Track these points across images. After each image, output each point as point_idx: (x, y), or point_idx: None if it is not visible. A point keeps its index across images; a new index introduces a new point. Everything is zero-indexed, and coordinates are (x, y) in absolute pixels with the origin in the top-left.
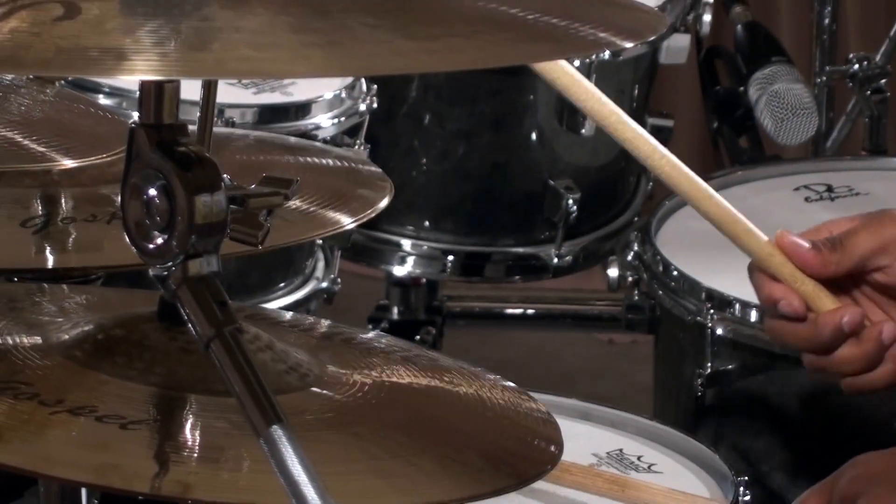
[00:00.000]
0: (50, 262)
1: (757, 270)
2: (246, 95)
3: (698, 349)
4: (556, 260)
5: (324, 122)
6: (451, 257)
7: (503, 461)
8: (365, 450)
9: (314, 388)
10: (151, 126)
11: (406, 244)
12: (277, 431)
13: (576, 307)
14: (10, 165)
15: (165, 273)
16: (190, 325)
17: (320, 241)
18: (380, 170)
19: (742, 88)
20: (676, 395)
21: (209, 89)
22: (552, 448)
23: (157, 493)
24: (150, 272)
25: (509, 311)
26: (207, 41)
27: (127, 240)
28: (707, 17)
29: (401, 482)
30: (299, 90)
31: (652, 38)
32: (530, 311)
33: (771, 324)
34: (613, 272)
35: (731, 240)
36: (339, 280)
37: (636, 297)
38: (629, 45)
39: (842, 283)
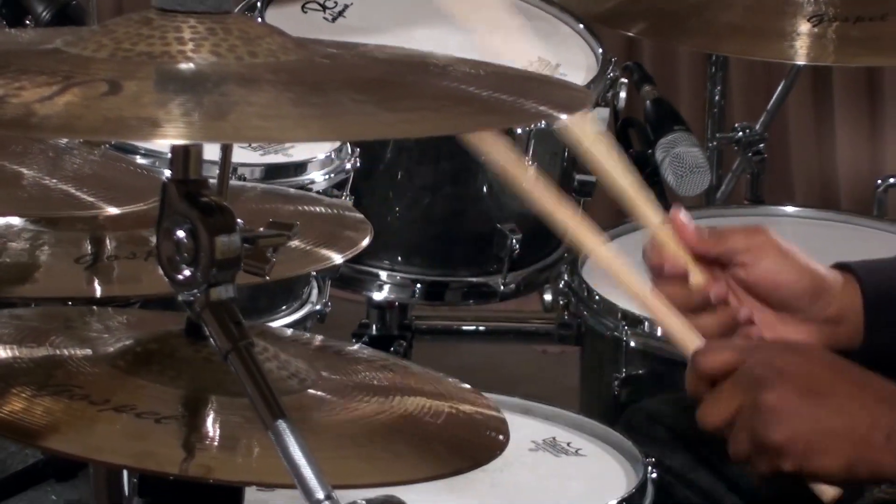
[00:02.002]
0: (98, 291)
1: (649, 248)
2: (254, 157)
3: (615, 358)
4: (502, 287)
5: (317, 177)
6: (418, 285)
7: (461, 447)
8: (352, 439)
9: (311, 391)
10: (180, 181)
11: (383, 275)
12: (282, 425)
13: (517, 324)
14: (66, 212)
15: (192, 298)
16: (212, 340)
17: (314, 273)
18: (362, 216)
19: (650, 151)
20: (598, 395)
21: (226, 151)
22: (500, 437)
23: (185, 475)
24: (179, 298)
25: (465, 327)
26: (225, 112)
27: (160, 272)
28: (623, 94)
29: (380, 465)
30: (298, 152)
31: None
32: (482, 328)
33: (656, 285)
34: (548, 296)
35: (630, 212)
36: (329, 304)
37: (566, 317)
38: (564, 116)
39: (713, 271)
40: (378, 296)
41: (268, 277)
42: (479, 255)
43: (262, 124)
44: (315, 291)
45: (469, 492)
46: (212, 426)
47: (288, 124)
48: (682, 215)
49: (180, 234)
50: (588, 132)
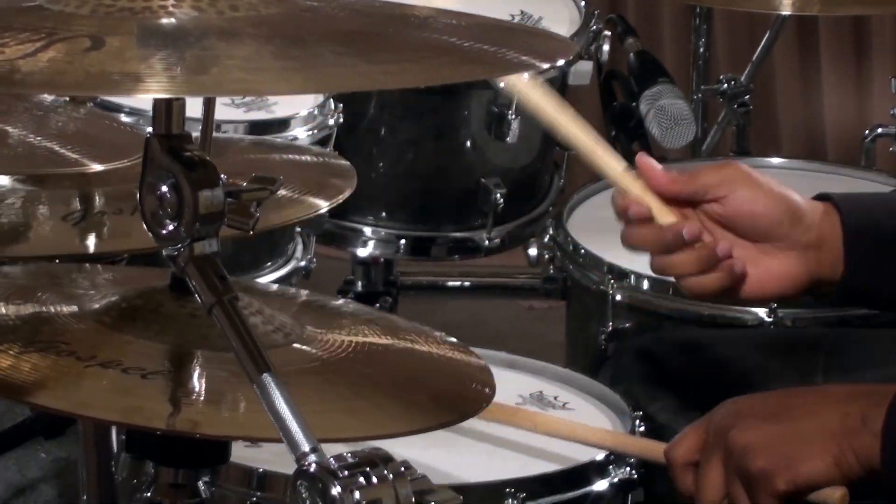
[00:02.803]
0: (87, 248)
1: (614, 194)
2: (238, 113)
3: (601, 312)
4: (487, 242)
5: (300, 133)
6: (403, 241)
7: (447, 400)
8: (337, 393)
9: (296, 345)
10: (163, 136)
11: (367, 230)
12: (267, 378)
13: (503, 280)
14: (51, 170)
15: (176, 253)
16: (196, 295)
17: (299, 229)
18: (347, 162)
19: (634, 104)
20: (584, 349)
21: (209, 105)
22: (486, 390)
23: (172, 429)
24: (163, 252)
25: (450, 283)
26: (207, 66)
27: (145, 227)
28: (606, 47)
29: (367, 418)
30: (280, 108)
31: (562, 62)
32: (467, 284)
33: (625, 232)
34: (533, 251)
35: (590, 163)
36: (314, 259)
37: (551, 271)
38: (545, 66)
39: (686, 212)
40: (363, 251)
41: (251, 232)
42: (464, 209)
43: (243, 77)
44: (300, 247)
45: (456, 446)
46: (197, 381)
47: (269, 77)
48: (649, 159)
49: (163, 188)
50: (533, 90)
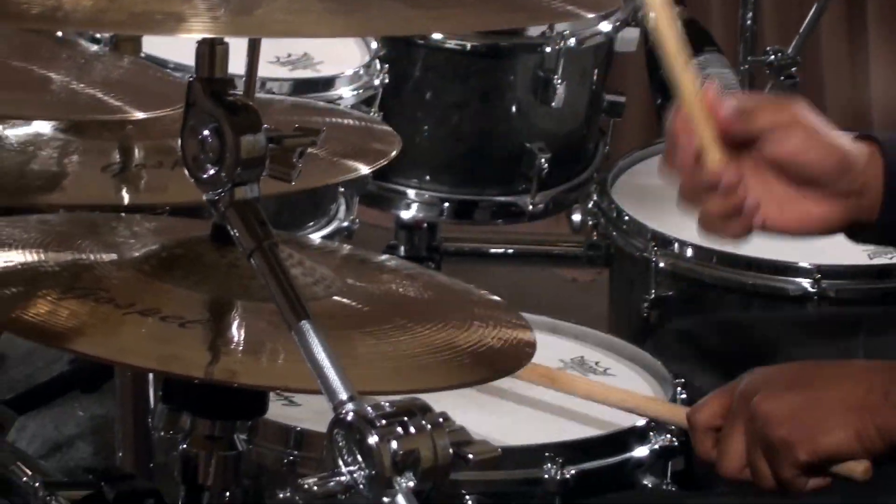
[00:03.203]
0: (125, 199)
1: (674, 114)
2: (283, 72)
3: (644, 279)
4: (530, 207)
5: (346, 93)
6: (446, 204)
7: (487, 357)
8: (377, 347)
9: (336, 297)
10: (206, 79)
11: (411, 193)
12: (306, 325)
13: (546, 248)
14: (93, 116)
15: (216, 198)
16: (236, 240)
17: (342, 189)
18: (390, 128)
19: None
20: (627, 317)
21: (254, 49)
22: (527, 349)
23: (210, 378)
24: (204, 197)
25: (493, 250)
26: (251, 7)
27: (186, 174)
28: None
29: (406, 372)
30: (326, 67)
31: (609, 12)
32: (510, 251)
33: (670, 153)
34: (577, 217)
35: (671, 70)
36: (357, 220)
37: (595, 238)
38: (591, 15)
39: (737, 150)
40: (406, 214)
41: (293, 183)
42: (508, 174)
43: (287, 19)
44: (343, 208)
45: (495, 409)
46: (237, 331)
47: (312, 19)
48: (716, 90)
49: (205, 132)
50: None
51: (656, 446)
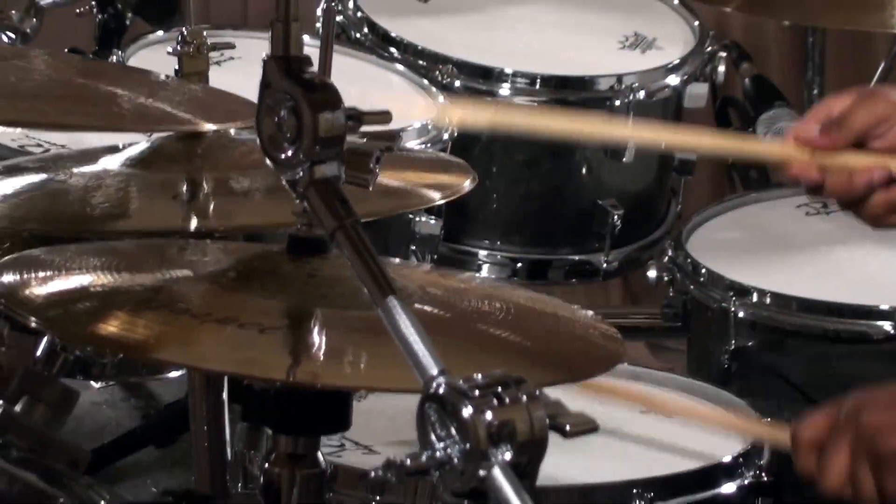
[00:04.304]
0: (193, 225)
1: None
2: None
3: (723, 330)
4: (605, 265)
5: (412, 146)
6: (519, 264)
7: (575, 359)
8: (461, 348)
9: (417, 305)
10: (280, 58)
11: (482, 254)
12: (392, 301)
13: (621, 321)
14: (166, 127)
15: (296, 178)
16: (317, 220)
17: (413, 248)
18: (464, 161)
19: (751, 129)
20: (706, 369)
21: (328, 22)
22: (616, 354)
23: (292, 381)
24: (282, 178)
25: None
26: None
27: (265, 160)
28: (721, 68)
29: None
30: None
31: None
32: None
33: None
34: (652, 273)
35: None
36: None
37: (671, 294)
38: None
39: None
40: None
41: (371, 188)
42: (581, 232)
43: None
44: None
45: (580, 448)
46: (317, 336)
47: None
48: (801, 129)
49: (282, 112)
50: None
51: (745, 482)
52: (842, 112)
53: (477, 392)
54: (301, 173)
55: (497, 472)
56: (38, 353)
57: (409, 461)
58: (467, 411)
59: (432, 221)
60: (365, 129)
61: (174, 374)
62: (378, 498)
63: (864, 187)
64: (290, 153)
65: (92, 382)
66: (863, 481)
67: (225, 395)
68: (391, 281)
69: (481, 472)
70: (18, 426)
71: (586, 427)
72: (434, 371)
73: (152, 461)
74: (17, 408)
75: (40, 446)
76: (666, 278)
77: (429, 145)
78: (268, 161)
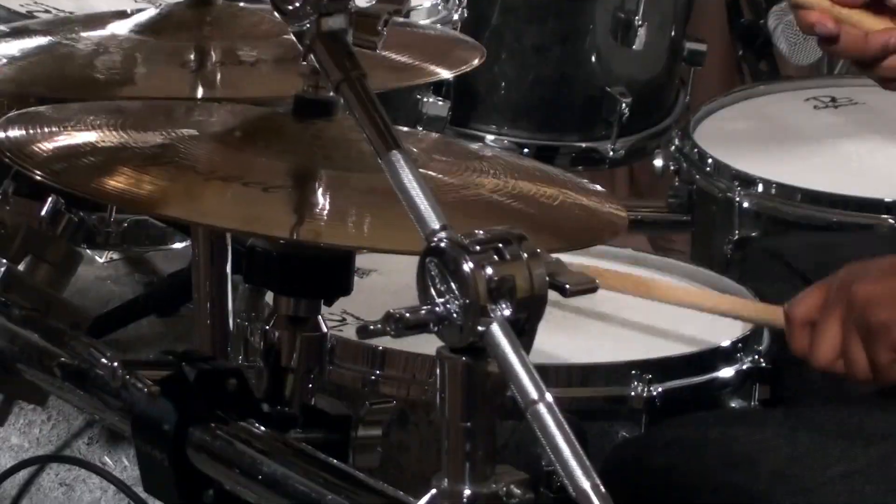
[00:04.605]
0: (199, 94)
1: (795, 8)
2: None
3: (727, 220)
4: (611, 153)
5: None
6: (526, 150)
7: (577, 226)
8: (464, 211)
9: (421, 170)
10: None
11: (489, 138)
12: (396, 155)
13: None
14: None
15: (302, 30)
16: (322, 72)
17: (420, 129)
18: (474, 40)
19: (762, 21)
20: (709, 259)
21: None
22: (617, 221)
23: (294, 239)
24: (290, 30)
25: None
26: None
27: (274, 13)
28: None
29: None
30: None
31: None
32: None
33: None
34: (659, 162)
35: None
36: None
37: (676, 183)
38: None
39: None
40: None
41: (378, 50)
42: (589, 119)
43: None
44: None
45: (582, 330)
46: (321, 197)
47: None
48: None
49: None
50: None
51: (743, 367)
52: None
53: (478, 247)
54: (308, 25)
55: (496, 328)
56: (43, 213)
57: (408, 314)
58: (468, 266)
59: (440, 103)
60: None
61: (178, 245)
62: (378, 372)
63: (879, 49)
64: (297, 3)
65: (96, 257)
66: (854, 355)
67: (228, 268)
68: (396, 135)
69: (480, 328)
70: (21, 285)
71: (586, 286)
72: (436, 225)
73: (154, 335)
74: (21, 267)
75: (43, 305)
76: (672, 167)
77: (438, 25)
78: (275, 12)
